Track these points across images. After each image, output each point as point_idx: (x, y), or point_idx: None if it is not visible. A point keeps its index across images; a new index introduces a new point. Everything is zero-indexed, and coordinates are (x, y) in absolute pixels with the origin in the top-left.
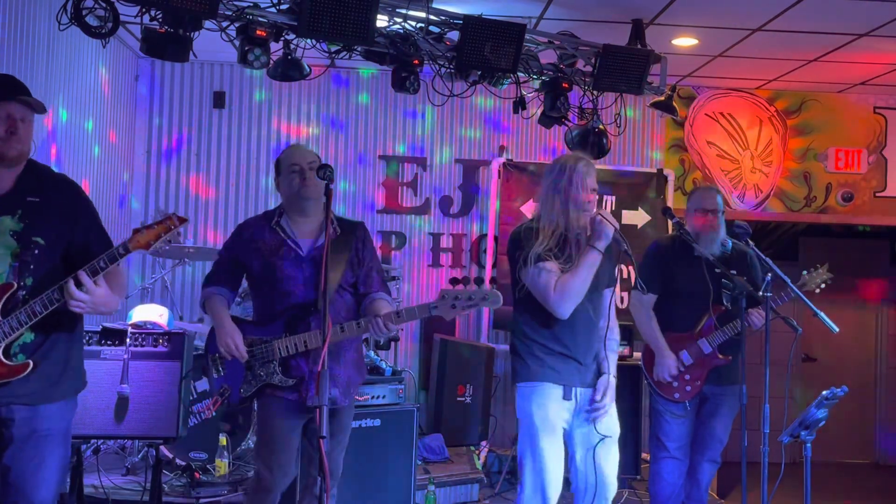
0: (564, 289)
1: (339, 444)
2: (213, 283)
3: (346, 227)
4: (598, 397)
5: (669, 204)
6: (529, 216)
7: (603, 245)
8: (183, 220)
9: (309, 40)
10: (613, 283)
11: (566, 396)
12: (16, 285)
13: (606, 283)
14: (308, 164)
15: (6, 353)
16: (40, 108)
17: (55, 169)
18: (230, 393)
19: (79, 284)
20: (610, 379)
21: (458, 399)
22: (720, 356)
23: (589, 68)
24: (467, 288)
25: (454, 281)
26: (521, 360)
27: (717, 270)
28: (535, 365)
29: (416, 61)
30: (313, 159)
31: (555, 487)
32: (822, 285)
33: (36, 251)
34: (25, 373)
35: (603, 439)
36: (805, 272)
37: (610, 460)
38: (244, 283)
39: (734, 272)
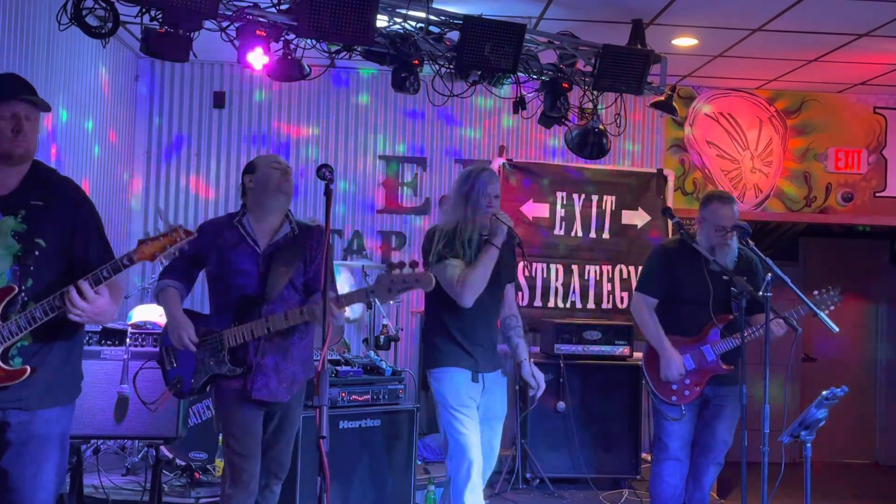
0: (466, 280)
1: (288, 439)
2: (168, 276)
3: (304, 229)
4: (535, 386)
5: (669, 204)
6: (530, 216)
7: (499, 241)
8: (189, 234)
9: (309, 40)
10: (514, 279)
11: (475, 379)
12: (17, 289)
13: (508, 278)
14: (287, 166)
15: (4, 356)
16: (45, 107)
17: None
18: (182, 383)
19: (80, 293)
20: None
21: None
22: (723, 365)
23: (589, 68)
24: (403, 272)
25: (391, 266)
26: (430, 350)
27: (725, 278)
28: (442, 353)
29: (416, 61)
30: (291, 168)
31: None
32: (832, 307)
33: (37, 253)
34: (23, 378)
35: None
36: (816, 292)
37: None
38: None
39: (744, 278)
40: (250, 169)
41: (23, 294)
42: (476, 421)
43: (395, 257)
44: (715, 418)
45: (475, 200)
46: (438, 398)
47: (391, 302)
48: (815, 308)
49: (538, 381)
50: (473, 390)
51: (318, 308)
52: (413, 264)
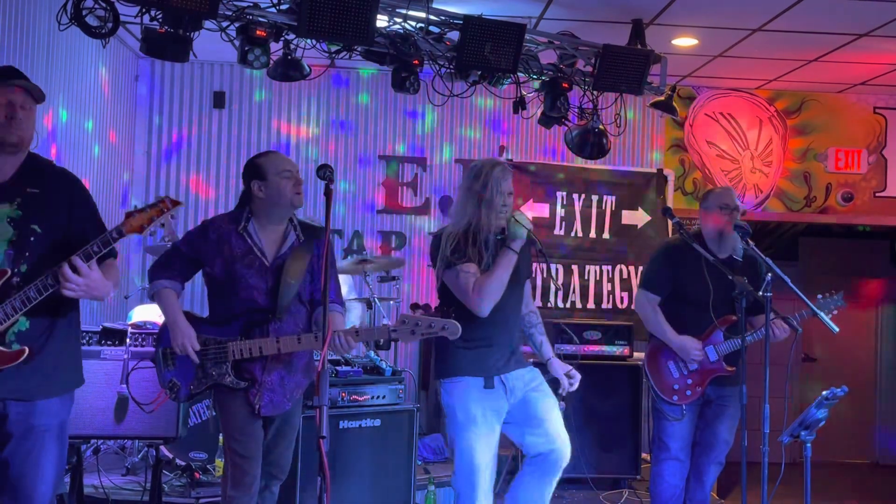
0: (483, 289)
1: (290, 440)
2: (165, 276)
3: (309, 233)
4: (567, 384)
5: (669, 204)
6: (530, 216)
7: (518, 246)
8: (176, 203)
9: (309, 40)
10: (530, 276)
11: (488, 385)
12: (10, 272)
13: (526, 276)
14: (297, 169)
15: (1, 340)
16: (38, 94)
17: None
18: (179, 389)
19: (73, 268)
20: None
21: None
22: (726, 367)
23: (589, 68)
24: (428, 315)
25: (415, 307)
26: (439, 359)
27: (731, 278)
28: (450, 362)
29: (416, 61)
30: (297, 167)
31: (485, 476)
32: (834, 311)
33: (32, 238)
34: (21, 359)
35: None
36: (820, 296)
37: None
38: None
39: (745, 278)
40: (258, 174)
41: (17, 278)
42: (488, 436)
43: (395, 257)
44: (717, 418)
45: (490, 200)
46: (447, 411)
47: (393, 301)
48: (815, 309)
49: (573, 376)
50: (490, 398)
51: (341, 337)
52: (438, 310)
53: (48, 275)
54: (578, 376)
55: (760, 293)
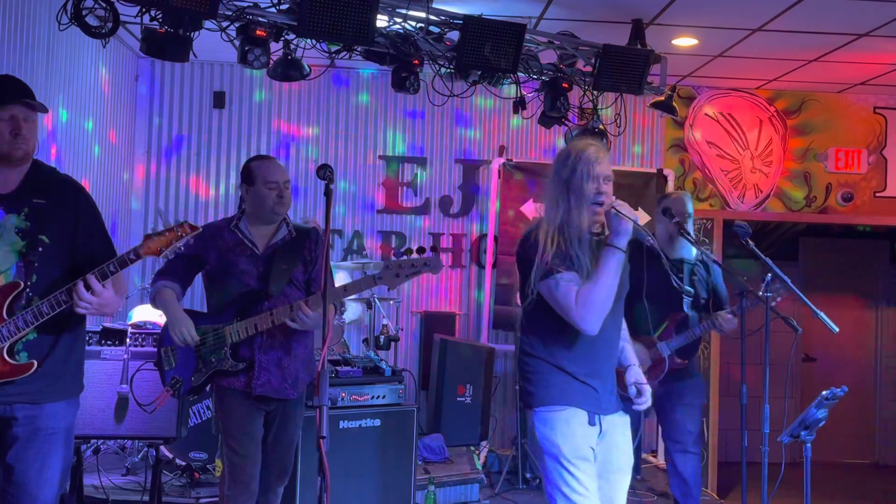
0: (588, 300)
1: (290, 440)
2: (164, 278)
3: (301, 232)
4: (641, 401)
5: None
6: (530, 216)
7: (624, 242)
8: (195, 229)
9: (309, 40)
10: (628, 287)
11: (591, 422)
12: (22, 284)
13: (626, 286)
14: (284, 182)
15: (10, 351)
16: (42, 109)
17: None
18: (181, 384)
19: (87, 287)
20: (637, 368)
21: (458, 399)
22: (677, 360)
23: (589, 68)
24: (410, 257)
25: (398, 254)
26: (534, 384)
27: (705, 272)
28: (552, 388)
29: (416, 61)
30: (287, 178)
31: None
32: (779, 299)
33: (41, 249)
34: (29, 373)
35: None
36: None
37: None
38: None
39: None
40: (247, 178)
41: (28, 290)
42: (595, 478)
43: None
44: (673, 411)
45: (578, 187)
46: (547, 446)
47: (393, 301)
48: (815, 309)
49: (642, 392)
50: (591, 436)
51: (309, 300)
52: (420, 250)
53: (62, 291)
54: (648, 392)
55: (761, 293)
